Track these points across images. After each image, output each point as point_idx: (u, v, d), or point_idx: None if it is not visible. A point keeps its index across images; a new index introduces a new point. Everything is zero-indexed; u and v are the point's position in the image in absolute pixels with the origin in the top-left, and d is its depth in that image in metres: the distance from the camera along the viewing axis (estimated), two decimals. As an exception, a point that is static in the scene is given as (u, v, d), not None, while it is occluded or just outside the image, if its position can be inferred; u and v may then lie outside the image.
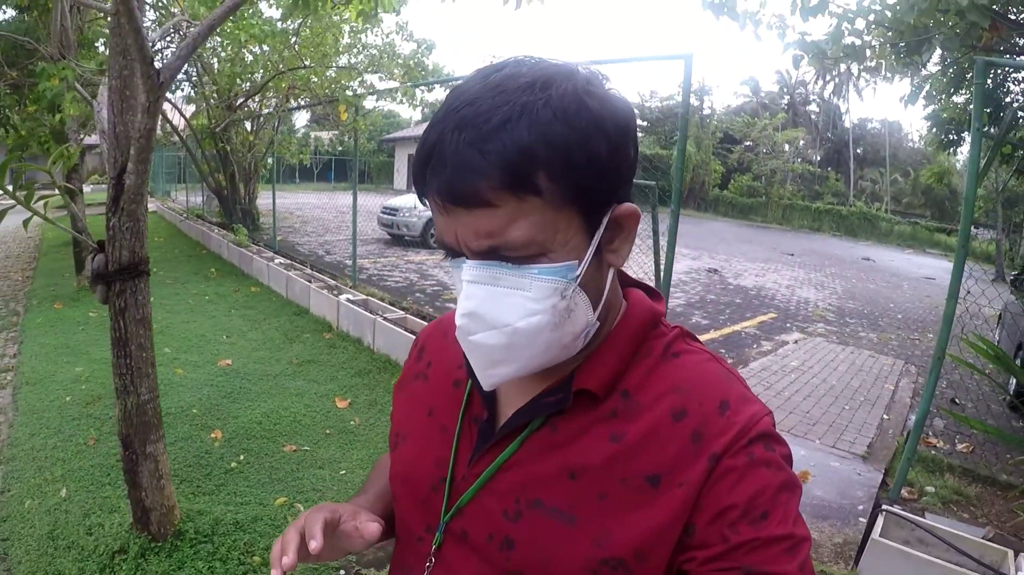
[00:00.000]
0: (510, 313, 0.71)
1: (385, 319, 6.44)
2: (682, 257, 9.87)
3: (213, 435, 4.53)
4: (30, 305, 8.77)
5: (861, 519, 3.80)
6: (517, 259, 0.70)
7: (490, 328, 0.71)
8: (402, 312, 7.01)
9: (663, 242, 4.63)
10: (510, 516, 0.78)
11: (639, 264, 5.21)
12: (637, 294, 0.86)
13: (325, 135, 33.27)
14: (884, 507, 3.51)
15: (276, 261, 10.12)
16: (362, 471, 4.18)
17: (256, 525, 3.47)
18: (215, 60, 13.93)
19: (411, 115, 41.55)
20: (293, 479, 4.02)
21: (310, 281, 8.55)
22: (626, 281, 0.88)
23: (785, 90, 47.71)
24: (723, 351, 7.35)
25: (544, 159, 0.66)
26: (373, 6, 5.08)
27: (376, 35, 12.19)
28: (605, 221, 0.74)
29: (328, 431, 4.70)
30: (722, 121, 42.14)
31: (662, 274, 4.87)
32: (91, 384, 5.40)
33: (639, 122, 44.73)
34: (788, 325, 9.25)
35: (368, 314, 6.62)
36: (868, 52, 5.68)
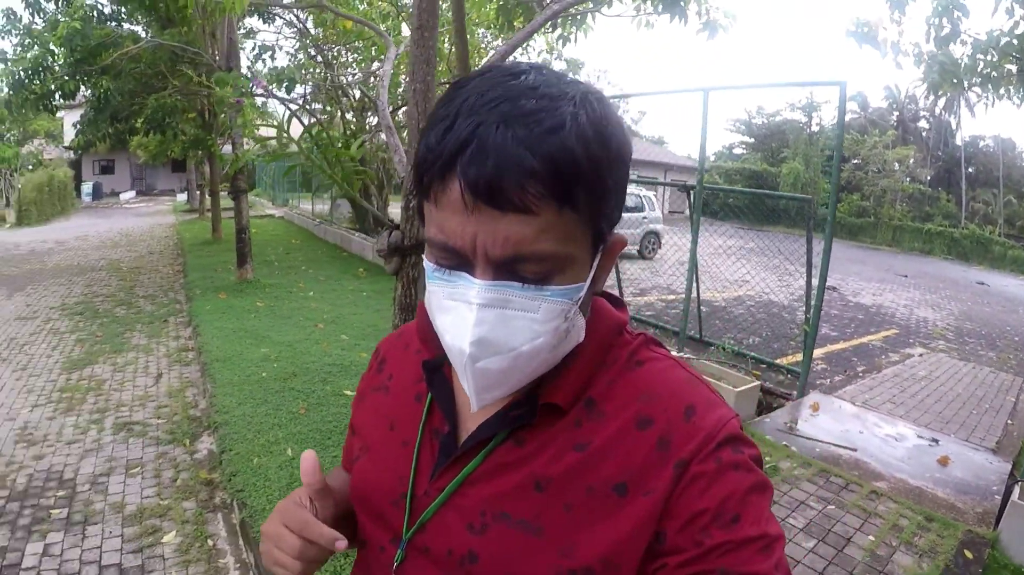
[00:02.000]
0: (516, 337, 0.70)
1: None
2: (799, 275, 10.39)
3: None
4: (193, 294, 10.02)
5: (996, 496, 4.50)
6: (531, 277, 0.69)
7: (495, 354, 0.70)
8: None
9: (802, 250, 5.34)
10: (476, 530, 0.77)
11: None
12: (601, 303, 0.85)
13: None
14: (1020, 479, 4.25)
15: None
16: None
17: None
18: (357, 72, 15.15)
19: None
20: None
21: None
22: None
23: (894, 106, 46.61)
24: (855, 359, 8.03)
25: (585, 175, 0.66)
26: (573, 31, 6.14)
27: (528, 52, 13.05)
28: (603, 247, 0.76)
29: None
30: (829, 138, 41.53)
31: (814, 292, 5.67)
32: (282, 363, 6.40)
33: (746, 138, 44.69)
34: (911, 340, 9.72)
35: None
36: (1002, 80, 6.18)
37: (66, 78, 11.37)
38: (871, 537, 3.82)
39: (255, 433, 4.79)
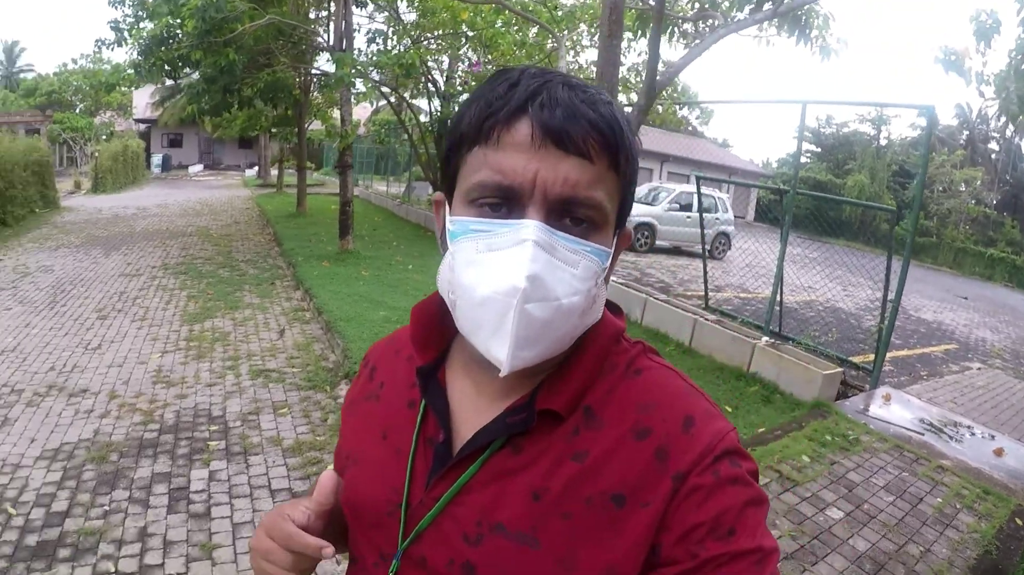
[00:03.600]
0: (559, 287, 0.72)
1: (655, 299, 8.23)
2: (861, 286, 11.08)
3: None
4: (295, 261, 10.97)
5: (1046, 483, 5.24)
6: (578, 226, 0.74)
7: (542, 299, 0.71)
8: (664, 295, 8.76)
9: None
10: (471, 540, 0.77)
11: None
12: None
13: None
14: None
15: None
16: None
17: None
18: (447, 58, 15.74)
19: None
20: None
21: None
22: None
23: (964, 125, 45.87)
24: (918, 366, 8.74)
25: (627, 146, 0.75)
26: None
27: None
28: (620, 231, 0.82)
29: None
30: (897, 153, 41.18)
31: (889, 304, 6.39)
32: (404, 323, 7.30)
33: (813, 147, 44.50)
34: (969, 356, 10.31)
35: (638, 293, 8.44)
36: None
37: (190, 48, 12.12)
38: (939, 499, 4.62)
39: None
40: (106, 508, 3.91)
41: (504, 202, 0.73)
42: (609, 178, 0.74)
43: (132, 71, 14.24)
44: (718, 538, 0.69)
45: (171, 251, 12.33)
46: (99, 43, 13.86)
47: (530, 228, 0.70)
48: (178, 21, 11.87)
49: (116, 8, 13.19)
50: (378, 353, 1.06)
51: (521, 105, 0.71)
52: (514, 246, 0.71)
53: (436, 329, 0.90)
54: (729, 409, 5.86)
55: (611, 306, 0.88)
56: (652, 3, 6.32)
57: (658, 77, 4.36)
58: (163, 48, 12.41)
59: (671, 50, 10.16)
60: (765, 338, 7.05)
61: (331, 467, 0.85)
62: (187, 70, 13.70)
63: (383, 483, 0.87)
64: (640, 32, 6.94)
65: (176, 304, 8.41)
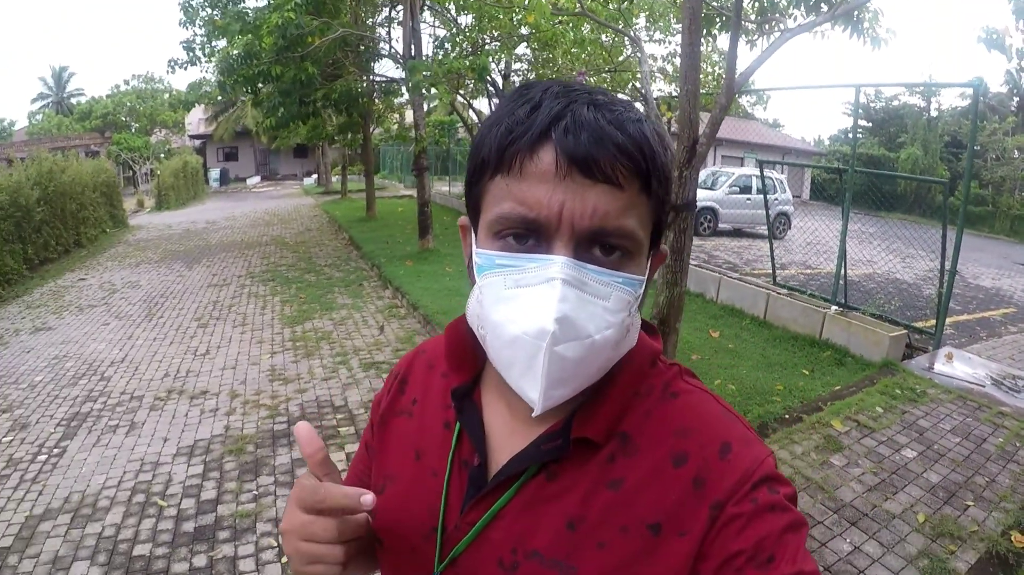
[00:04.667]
0: (591, 323, 0.70)
1: (729, 277, 8.95)
2: (920, 258, 11.51)
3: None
4: (379, 262, 11.61)
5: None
6: (608, 254, 0.71)
7: (573, 339, 0.69)
8: (737, 274, 9.47)
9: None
10: (506, 567, 0.76)
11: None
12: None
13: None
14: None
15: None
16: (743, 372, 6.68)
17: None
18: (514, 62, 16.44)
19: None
20: (719, 369, 6.68)
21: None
22: None
23: (1015, 91, 44.93)
24: (978, 328, 9.33)
25: (659, 166, 0.72)
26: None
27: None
28: (654, 252, 0.79)
29: (715, 351, 7.20)
30: (948, 123, 40.61)
31: (946, 276, 7.00)
32: None
33: (864, 122, 44.05)
34: (1027, 318, 10.83)
35: (712, 273, 9.18)
36: None
37: (269, 64, 12.76)
38: (1000, 439, 5.30)
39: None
40: (255, 493, 4.33)
41: (530, 234, 0.71)
42: (640, 203, 0.71)
43: (217, 87, 15.07)
44: (758, 565, 0.68)
45: (252, 260, 13.10)
46: (172, 63, 14.71)
47: (558, 265, 0.68)
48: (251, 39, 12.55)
49: (186, 28, 14.01)
50: (408, 366, 1.02)
51: (544, 130, 0.68)
52: (542, 284, 0.69)
53: (470, 350, 0.88)
54: (806, 372, 6.58)
55: (646, 327, 0.88)
56: (715, 4, 7.01)
57: (736, 76, 4.96)
58: (244, 65, 13.17)
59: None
60: (834, 307, 7.73)
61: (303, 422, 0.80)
62: (261, 85, 14.43)
63: (420, 505, 0.86)
64: (707, 33, 7.60)
65: (272, 309, 9.07)
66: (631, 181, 0.69)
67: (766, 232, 16.74)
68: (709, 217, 16.94)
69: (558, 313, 0.67)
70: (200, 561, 3.68)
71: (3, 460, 5.00)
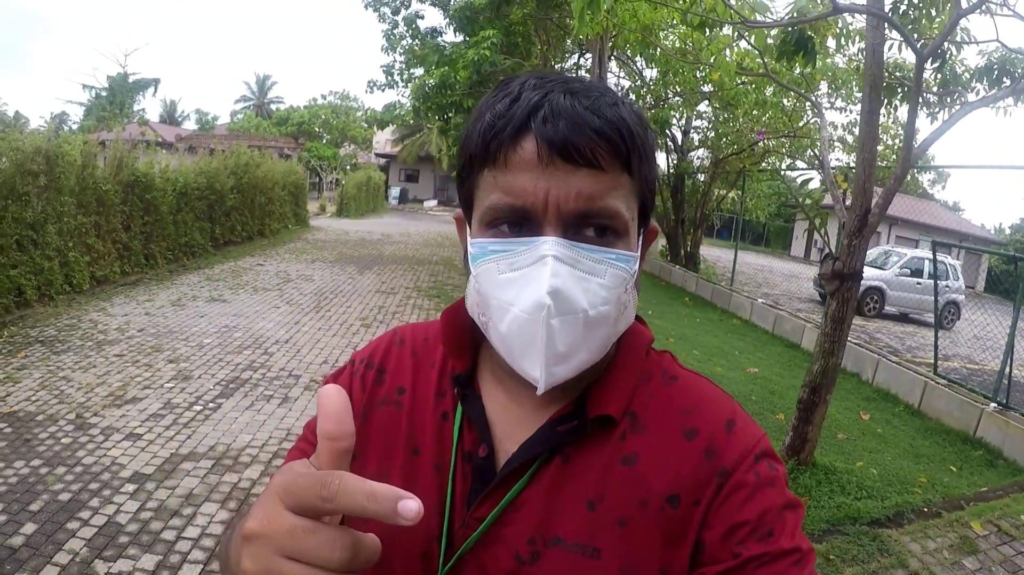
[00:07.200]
0: (585, 298, 0.71)
1: (888, 360, 8.85)
2: None
3: (777, 416, 7.00)
4: None
5: None
6: (600, 236, 0.73)
7: (568, 312, 0.70)
8: (897, 358, 9.33)
9: None
10: (525, 560, 0.74)
11: None
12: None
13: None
14: None
15: (759, 301, 12.75)
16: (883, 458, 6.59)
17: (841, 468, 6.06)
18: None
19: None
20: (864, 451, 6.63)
21: (805, 319, 10.87)
22: None
23: None
24: None
25: (639, 146, 0.74)
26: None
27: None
28: (644, 229, 0.82)
29: (863, 432, 7.10)
30: None
31: None
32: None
33: None
34: None
35: (870, 353, 9.09)
36: None
37: (462, 96, 13.80)
38: None
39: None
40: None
41: (520, 222, 0.73)
42: (623, 183, 0.74)
43: (411, 111, 16.03)
44: (759, 538, 0.69)
45: (420, 275, 13.79)
46: (371, 84, 15.99)
47: (548, 244, 0.70)
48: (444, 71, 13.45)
49: (387, 54, 15.12)
50: (384, 353, 0.94)
51: (524, 122, 0.70)
52: (534, 263, 0.71)
53: (468, 335, 0.87)
54: (953, 468, 6.44)
55: (636, 318, 0.87)
56: (897, 74, 6.99)
57: (914, 148, 4.85)
58: (438, 94, 14.17)
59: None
60: (993, 404, 7.48)
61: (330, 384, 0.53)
62: (451, 114, 15.54)
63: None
64: (888, 103, 7.56)
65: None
66: (612, 162, 0.72)
67: (932, 320, 16.09)
68: (876, 297, 16.28)
69: (550, 287, 0.69)
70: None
71: (162, 401, 5.62)
